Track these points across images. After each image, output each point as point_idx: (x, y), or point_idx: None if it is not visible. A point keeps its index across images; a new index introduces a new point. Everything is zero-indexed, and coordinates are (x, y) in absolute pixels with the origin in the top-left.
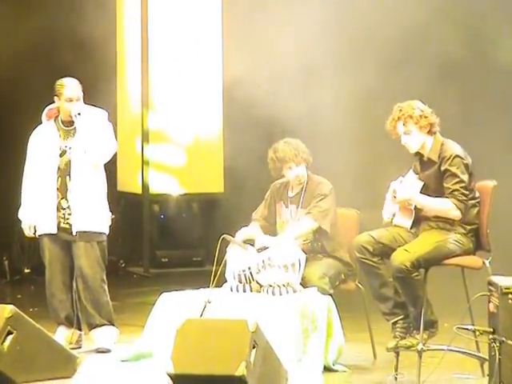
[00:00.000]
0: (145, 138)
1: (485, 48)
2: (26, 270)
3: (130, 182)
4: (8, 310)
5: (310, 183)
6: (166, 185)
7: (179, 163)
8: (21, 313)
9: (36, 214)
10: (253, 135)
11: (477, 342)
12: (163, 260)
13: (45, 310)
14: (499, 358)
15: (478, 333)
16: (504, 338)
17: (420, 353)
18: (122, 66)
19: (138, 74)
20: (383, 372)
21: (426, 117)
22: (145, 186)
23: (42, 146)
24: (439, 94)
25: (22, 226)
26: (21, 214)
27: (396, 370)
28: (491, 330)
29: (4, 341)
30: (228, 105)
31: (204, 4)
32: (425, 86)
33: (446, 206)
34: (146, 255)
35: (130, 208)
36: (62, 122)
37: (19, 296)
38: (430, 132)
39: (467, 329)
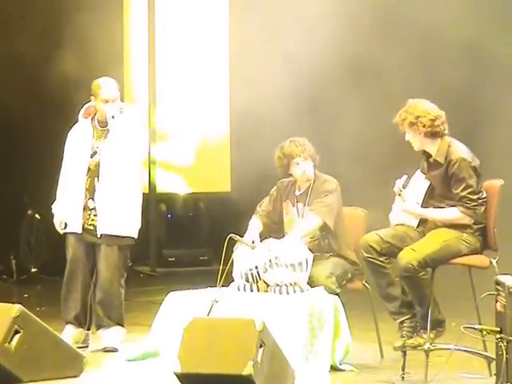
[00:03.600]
0: (152, 137)
1: (488, 44)
2: (33, 270)
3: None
4: (15, 309)
5: (316, 181)
6: (173, 184)
7: (186, 163)
8: (28, 312)
9: (65, 211)
10: (259, 135)
11: (484, 341)
12: (170, 259)
13: (52, 309)
14: (506, 358)
15: (485, 332)
16: (511, 338)
17: (427, 352)
18: (128, 66)
19: (145, 73)
20: (390, 371)
21: (417, 125)
22: (152, 186)
23: (76, 144)
24: (442, 94)
25: (54, 220)
26: (54, 209)
27: (403, 369)
28: (498, 329)
29: (11, 340)
30: (235, 104)
31: (211, 4)
32: (429, 85)
33: (455, 216)
34: (153, 254)
35: None
36: (98, 122)
37: (26, 295)
38: (427, 137)
39: (474, 328)
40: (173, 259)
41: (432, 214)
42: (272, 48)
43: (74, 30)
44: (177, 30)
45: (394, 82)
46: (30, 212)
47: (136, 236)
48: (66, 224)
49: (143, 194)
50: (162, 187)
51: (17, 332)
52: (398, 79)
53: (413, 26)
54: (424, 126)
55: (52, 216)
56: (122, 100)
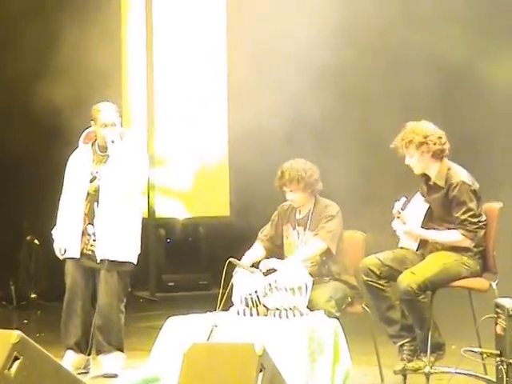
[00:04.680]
0: (151, 162)
1: (486, 67)
2: (33, 296)
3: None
4: (14, 335)
5: (317, 206)
6: (172, 209)
7: (185, 187)
8: (27, 338)
9: (64, 237)
10: (258, 159)
11: (484, 364)
12: (170, 284)
13: (52, 335)
14: (507, 380)
15: (485, 355)
16: (511, 361)
17: (427, 375)
18: (126, 91)
19: (144, 98)
20: None
21: (426, 143)
22: (151, 210)
23: (76, 169)
24: (442, 116)
25: (54, 245)
26: (54, 234)
27: None
28: (498, 352)
29: (11, 366)
30: (233, 129)
31: (208, 25)
32: (429, 108)
33: (456, 238)
34: (153, 279)
35: None
36: (99, 147)
37: (26, 321)
38: (433, 157)
39: (474, 351)
40: (172, 284)
41: (432, 235)
42: (271, 73)
43: (72, 55)
44: (175, 55)
45: (391, 107)
46: (29, 238)
47: (136, 261)
48: (65, 249)
49: (142, 218)
50: (161, 212)
51: (16, 358)
52: (395, 104)
53: (412, 52)
54: (435, 144)
55: (52, 241)
56: (121, 125)
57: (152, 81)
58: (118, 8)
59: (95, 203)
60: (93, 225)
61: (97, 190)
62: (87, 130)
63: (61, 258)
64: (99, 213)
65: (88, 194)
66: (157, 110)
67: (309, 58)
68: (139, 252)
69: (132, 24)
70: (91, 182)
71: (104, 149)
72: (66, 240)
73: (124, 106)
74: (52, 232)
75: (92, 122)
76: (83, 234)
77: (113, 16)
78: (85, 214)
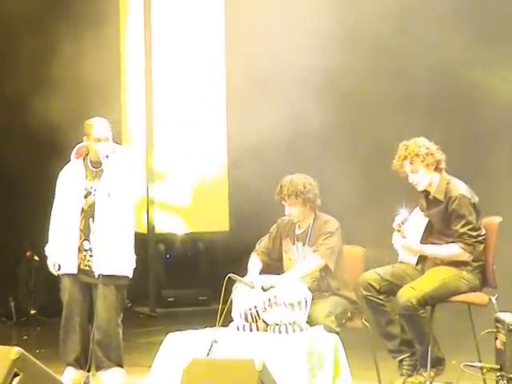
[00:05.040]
0: (149, 177)
1: (488, 83)
2: (32, 311)
3: (135, 222)
4: (14, 351)
5: (317, 221)
6: (172, 224)
7: (184, 202)
8: (27, 354)
9: (59, 253)
10: (258, 173)
11: (484, 379)
12: (169, 299)
13: (51, 351)
14: None
15: (485, 370)
16: (511, 375)
17: None
18: (125, 106)
19: (143, 113)
20: None
21: (432, 154)
22: (150, 226)
23: (68, 184)
24: (441, 130)
25: (48, 262)
26: (47, 251)
27: None
28: (498, 366)
29: (11, 382)
30: (232, 143)
31: (206, 37)
32: (427, 122)
33: (455, 252)
34: (152, 295)
35: (135, 247)
36: (91, 162)
37: (25, 337)
38: (436, 169)
39: (474, 366)
40: (172, 299)
41: (431, 250)
42: (270, 86)
43: (70, 70)
44: (173, 69)
45: (392, 120)
46: (28, 254)
47: (131, 275)
48: (59, 266)
49: (142, 234)
50: (160, 227)
51: (16, 375)
52: (397, 117)
53: (414, 59)
54: (427, 155)
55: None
56: (119, 140)
57: (151, 96)
58: (116, 22)
59: (90, 219)
60: (88, 240)
61: (91, 206)
62: (78, 145)
63: (55, 274)
64: (95, 228)
65: (82, 209)
66: (156, 124)
67: (309, 66)
68: (134, 266)
69: (130, 38)
70: (85, 197)
71: (97, 164)
72: (61, 256)
73: (123, 121)
74: (45, 249)
75: (85, 137)
76: (79, 249)
77: (111, 30)
78: (80, 230)
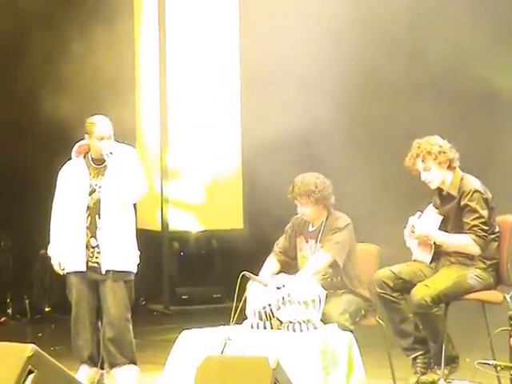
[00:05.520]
0: (164, 175)
1: (501, 83)
2: (47, 309)
3: (149, 220)
4: (29, 348)
5: (329, 218)
6: (186, 222)
7: (198, 200)
8: (42, 352)
9: (64, 252)
10: (272, 171)
11: (498, 377)
12: (183, 297)
13: (66, 348)
14: None
15: (499, 368)
16: None
17: None
18: (139, 104)
19: (157, 111)
20: None
21: (444, 152)
22: (164, 224)
23: (71, 182)
24: (456, 129)
25: (52, 262)
26: (50, 251)
27: None
28: None
29: (25, 380)
30: (247, 141)
31: (221, 38)
32: (441, 120)
33: (465, 242)
34: (166, 292)
35: (149, 245)
36: (92, 160)
37: (40, 335)
38: (449, 167)
39: (488, 364)
40: (186, 297)
41: (442, 237)
42: (284, 83)
43: (83, 68)
44: (187, 68)
45: (405, 120)
46: (42, 252)
47: (135, 270)
48: (61, 264)
49: (156, 232)
50: (174, 225)
51: (31, 372)
52: (410, 119)
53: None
54: (440, 153)
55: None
56: (133, 138)
57: (165, 94)
58: (130, 20)
59: (97, 216)
60: (95, 237)
61: (97, 203)
62: (78, 143)
63: (61, 273)
64: (102, 225)
65: (88, 207)
66: (170, 122)
67: (323, 65)
68: (138, 262)
69: (144, 35)
70: (90, 194)
71: (99, 161)
72: (68, 254)
73: (137, 119)
74: (48, 249)
75: (86, 135)
76: (86, 247)
77: (125, 28)
78: (86, 227)
